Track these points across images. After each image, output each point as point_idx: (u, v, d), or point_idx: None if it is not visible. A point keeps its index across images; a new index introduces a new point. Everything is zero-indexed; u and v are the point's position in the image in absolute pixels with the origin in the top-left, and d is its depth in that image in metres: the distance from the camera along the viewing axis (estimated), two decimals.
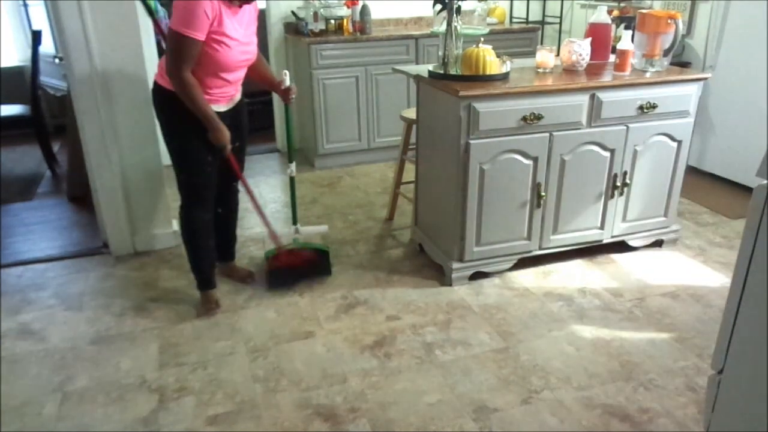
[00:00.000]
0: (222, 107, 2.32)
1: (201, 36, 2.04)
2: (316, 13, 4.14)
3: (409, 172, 3.27)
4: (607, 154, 2.69)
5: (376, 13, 4.37)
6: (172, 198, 3.14)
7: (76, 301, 2.64)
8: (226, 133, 2.25)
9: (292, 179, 2.83)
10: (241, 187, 2.64)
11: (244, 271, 2.79)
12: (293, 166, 2.78)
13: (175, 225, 3.16)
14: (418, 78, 2.71)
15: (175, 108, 2.20)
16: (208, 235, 2.49)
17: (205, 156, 2.31)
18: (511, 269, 2.79)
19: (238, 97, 2.43)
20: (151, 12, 2.44)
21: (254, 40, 2.32)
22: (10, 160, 4.72)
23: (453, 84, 2.43)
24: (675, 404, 1.97)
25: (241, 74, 2.34)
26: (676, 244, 3.06)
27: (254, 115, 5.16)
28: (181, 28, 2.01)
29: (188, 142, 2.28)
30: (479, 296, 2.62)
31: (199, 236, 2.47)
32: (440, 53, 2.60)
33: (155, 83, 2.29)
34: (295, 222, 2.88)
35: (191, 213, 2.42)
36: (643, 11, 2.74)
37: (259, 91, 4.96)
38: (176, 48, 2.05)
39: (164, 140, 2.36)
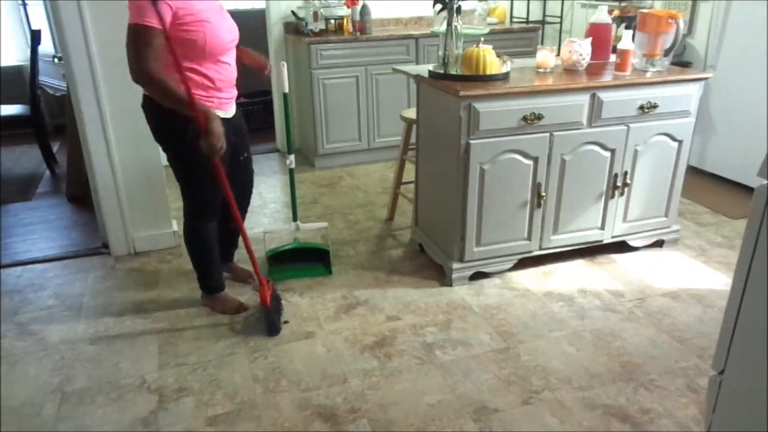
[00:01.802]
0: (227, 114, 2.26)
1: (156, 23, 1.92)
2: (316, 13, 4.14)
3: (409, 172, 3.26)
4: (608, 154, 2.69)
5: (376, 13, 4.37)
6: (172, 198, 3.14)
7: (75, 301, 2.64)
8: (221, 134, 2.04)
9: (291, 171, 2.82)
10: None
11: (244, 272, 2.78)
12: (292, 157, 2.78)
13: (175, 225, 3.16)
14: (418, 78, 2.70)
15: (167, 120, 2.11)
16: (213, 242, 2.44)
17: (209, 169, 2.18)
18: (511, 269, 2.78)
19: (234, 107, 2.34)
20: None
21: (228, 16, 2.20)
22: (9, 160, 4.71)
23: (453, 84, 2.43)
24: (676, 405, 1.96)
25: (233, 57, 2.23)
26: (677, 245, 3.06)
27: (254, 114, 5.17)
28: (136, 20, 1.93)
29: (189, 158, 2.18)
30: (479, 296, 2.62)
31: (205, 245, 2.42)
32: (440, 53, 2.60)
33: (144, 97, 2.17)
34: (295, 218, 2.88)
35: (196, 224, 2.36)
36: (644, 11, 2.74)
37: (258, 91, 4.99)
38: (135, 40, 1.94)
39: (166, 156, 2.26)
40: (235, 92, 2.29)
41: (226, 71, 2.17)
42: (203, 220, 2.35)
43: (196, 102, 2.01)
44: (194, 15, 2.00)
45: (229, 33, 2.16)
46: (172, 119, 2.10)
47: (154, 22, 1.93)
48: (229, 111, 2.27)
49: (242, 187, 2.48)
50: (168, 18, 1.95)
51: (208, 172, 2.19)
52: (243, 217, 2.52)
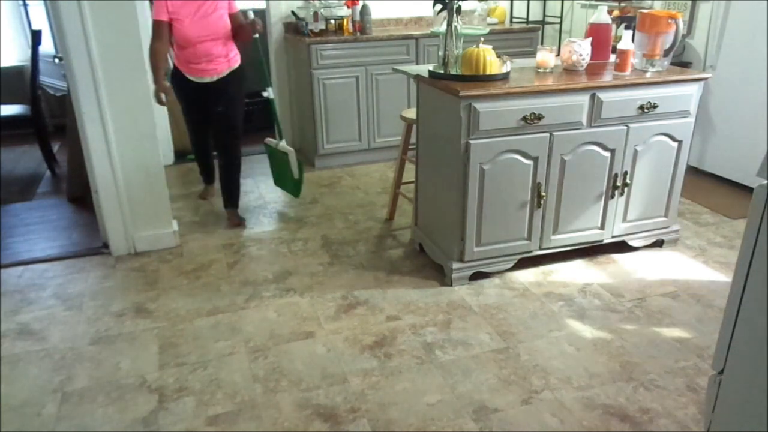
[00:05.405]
0: (204, 79, 3.19)
1: (161, 17, 2.98)
2: (316, 13, 4.14)
3: (409, 172, 3.26)
4: (608, 154, 2.69)
5: (376, 13, 4.37)
6: (172, 198, 3.15)
7: (76, 301, 2.64)
8: (158, 93, 3.00)
9: (271, 101, 3.46)
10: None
11: (236, 218, 3.41)
12: (270, 89, 3.40)
13: (175, 225, 3.16)
14: (418, 78, 2.71)
15: (174, 78, 3.24)
16: (198, 158, 3.72)
17: (188, 110, 3.45)
18: (511, 269, 2.78)
19: (218, 75, 3.20)
20: None
21: (216, 17, 3.07)
22: (9, 160, 4.72)
23: (453, 84, 2.43)
24: (675, 404, 1.97)
25: (210, 47, 3.10)
26: (677, 244, 3.06)
27: (253, 115, 5.16)
28: (153, 15, 3.02)
29: (182, 102, 3.39)
30: (479, 296, 2.62)
31: (195, 156, 3.73)
32: (440, 53, 2.60)
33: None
34: (280, 138, 3.51)
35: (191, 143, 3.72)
36: (644, 11, 2.74)
37: (257, 91, 4.98)
38: (153, 28, 3.03)
39: None
40: (209, 66, 3.16)
41: (195, 52, 3.11)
42: (191, 142, 3.69)
43: (157, 74, 3.03)
44: (175, 14, 3.01)
45: (199, 31, 3.04)
46: (173, 83, 3.19)
47: (159, 17, 3.00)
48: (203, 78, 3.20)
49: (218, 132, 3.36)
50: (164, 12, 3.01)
51: (185, 116, 3.53)
52: (228, 161, 3.36)
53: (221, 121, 3.29)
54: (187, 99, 3.33)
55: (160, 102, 3.04)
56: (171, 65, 3.36)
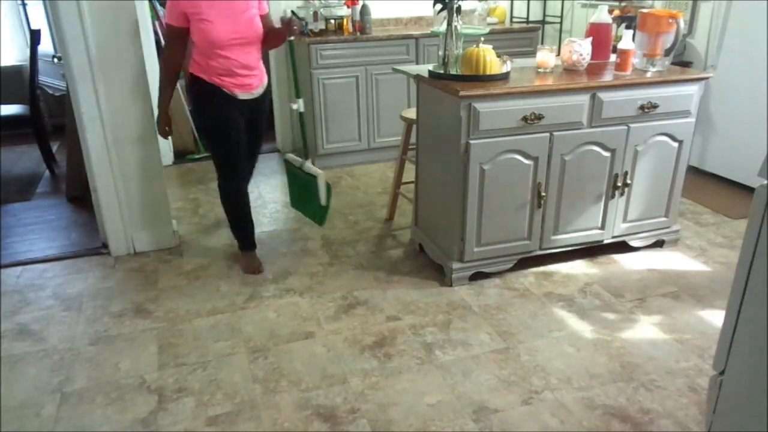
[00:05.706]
0: (237, 95, 2.60)
1: (174, 22, 2.46)
2: (316, 13, 4.14)
3: (409, 172, 3.26)
4: (608, 154, 2.68)
5: (376, 12, 4.37)
6: (171, 198, 3.15)
7: (75, 301, 2.63)
8: (162, 124, 2.69)
9: (300, 114, 2.92)
10: None
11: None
12: (300, 101, 2.86)
13: (175, 225, 3.16)
14: (418, 78, 2.70)
15: (201, 93, 2.59)
16: (240, 202, 2.82)
17: (230, 132, 2.63)
18: (511, 269, 2.78)
19: (258, 89, 2.68)
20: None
21: (247, 18, 2.52)
22: (8, 160, 4.71)
23: (453, 84, 2.43)
24: (676, 405, 1.96)
25: (243, 54, 2.55)
26: (677, 245, 3.06)
27: None
28: (165, 18, 2.56)
29: (216, 123, 2.63)
30: (479, 296, 2.62)
31: (233, 203, 2.81)
32: (440, 53, 2.60)
33: (189, 74, 2.63)
34: (306, 158, 2.96)
35: (222, 182, 2.77)
36: (644, 11, 2.74)
37: None
38: (165, 35, 2.65)
39: (194, 122, 2.68)
40: (246, 81, 2.60)
41: (226, 63, 2.53)
42: (226, 178, 2.75)
43: (163, 97, 2.63)
44: (200, 15, 2.44)
45: (232, 33, 2.49)
46: (198, 101, 2.64)
47: (171, 22, 2.49)
48: (238, 95, 2.61)
49: (248, 149, 2.81)
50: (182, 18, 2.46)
51: (223, 142, 2.65)
52: (250, 173, 2.97)
53: (254, 142, 2.84)
54: (226, 119, 2.60)
55: (164, 135, 2.71)
56: (183, 76, 2.80)
